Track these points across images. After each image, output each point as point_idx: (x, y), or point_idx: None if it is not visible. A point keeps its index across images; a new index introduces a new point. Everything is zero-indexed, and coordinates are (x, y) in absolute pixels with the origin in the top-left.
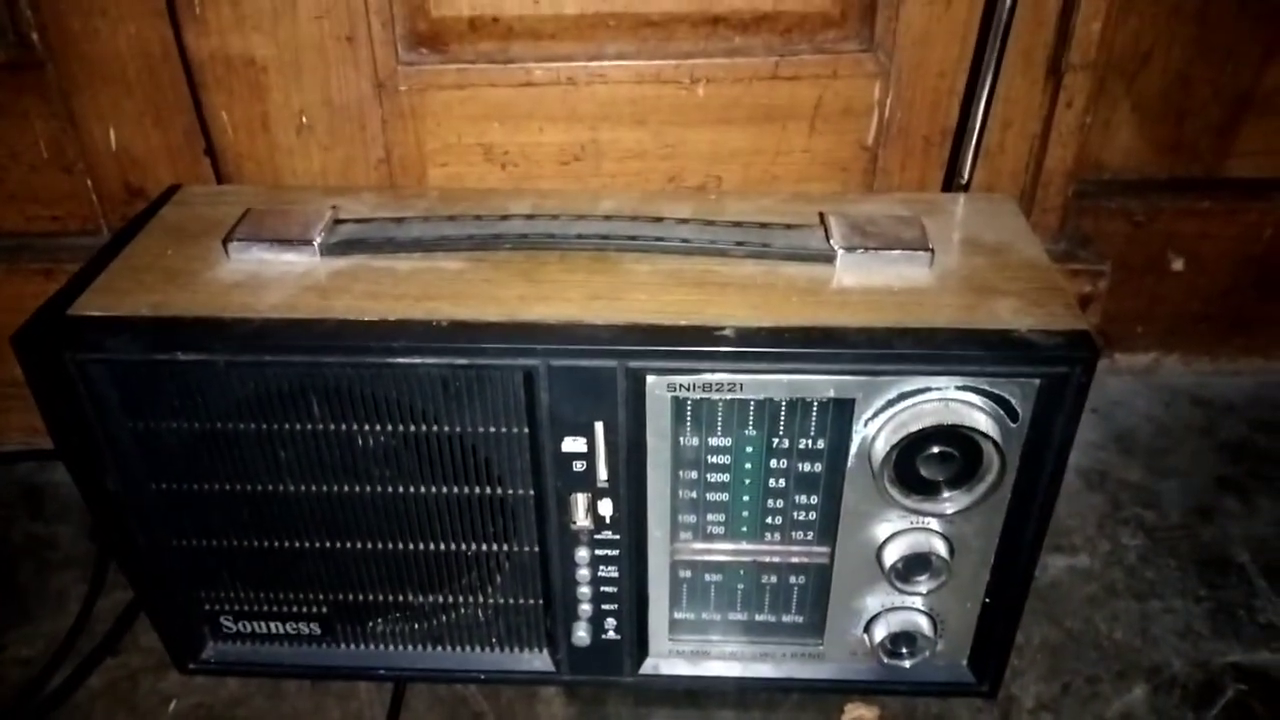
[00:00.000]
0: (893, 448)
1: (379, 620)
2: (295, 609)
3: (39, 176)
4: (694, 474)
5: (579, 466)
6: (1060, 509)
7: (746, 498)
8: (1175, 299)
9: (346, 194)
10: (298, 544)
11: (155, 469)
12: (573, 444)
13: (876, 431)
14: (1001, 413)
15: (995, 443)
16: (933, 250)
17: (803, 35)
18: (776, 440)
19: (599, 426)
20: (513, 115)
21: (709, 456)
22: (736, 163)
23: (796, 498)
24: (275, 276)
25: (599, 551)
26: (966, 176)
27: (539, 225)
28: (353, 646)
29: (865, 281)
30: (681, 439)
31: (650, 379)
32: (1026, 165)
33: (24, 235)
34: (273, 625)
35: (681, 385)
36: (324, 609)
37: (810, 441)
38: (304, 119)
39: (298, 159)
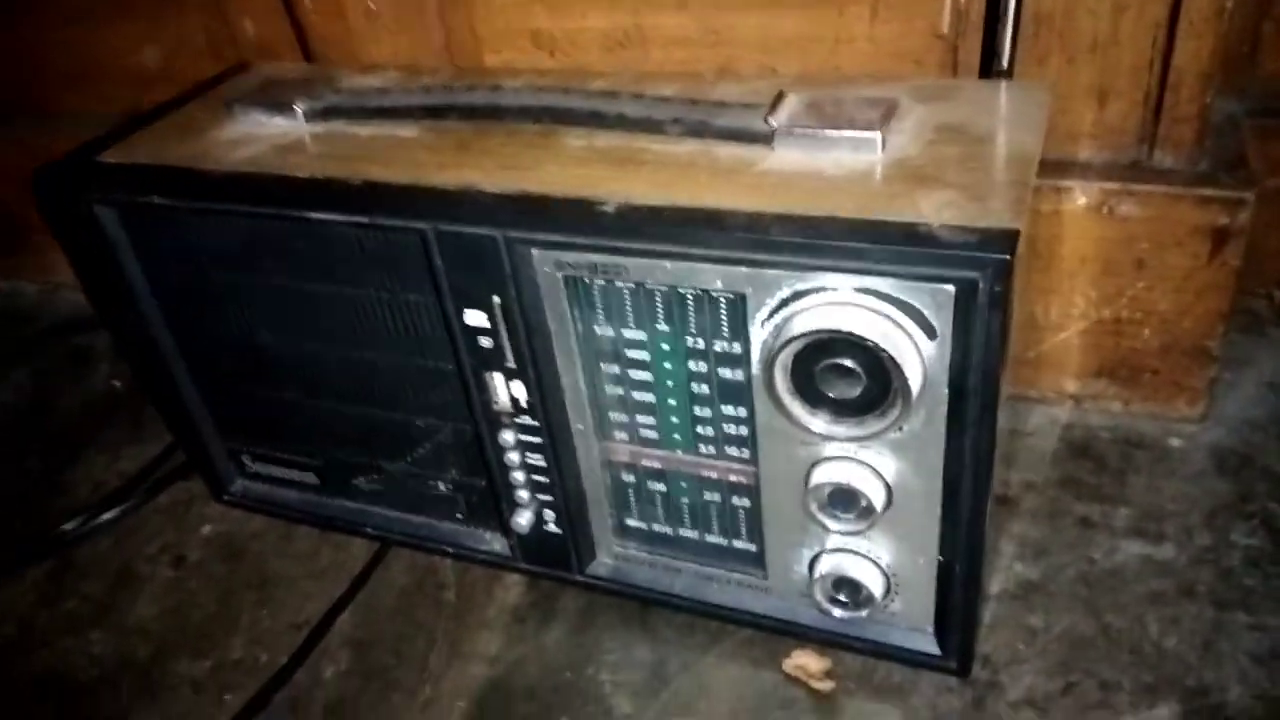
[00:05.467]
0: (784, 353)
1: (362, 479)
2: (295, 458)
3: (201, 64)
4: (615, 368)
5: (486, 343)
6: (1165, 489)
7: (673, 401)
8: None
9: (372, 71)
10: (284, 396)
11: (167, 312)
12: (475, 317)
13: (770, 335)
14: (913, 325)
15: (894, 358)
16: (882, 134)
17: None
18: (691, 340)
19: (496, 301)
20: None
21: (626, 350)
22: (792, 52)
23: (723, 407)
24: (262, 137)
25: (523, 437)
26: (1006, 60)
27: (486, 97)
28: (345, 502)
29: (797, 166)
30: (596, 327)
31: (535, 253)
32: (1150, 62)
33: None
34: (281, 471)
35: (569, 264)
36: (317, 461)
37: (726, 344)
38: (372, 3)
39: (370, 44)
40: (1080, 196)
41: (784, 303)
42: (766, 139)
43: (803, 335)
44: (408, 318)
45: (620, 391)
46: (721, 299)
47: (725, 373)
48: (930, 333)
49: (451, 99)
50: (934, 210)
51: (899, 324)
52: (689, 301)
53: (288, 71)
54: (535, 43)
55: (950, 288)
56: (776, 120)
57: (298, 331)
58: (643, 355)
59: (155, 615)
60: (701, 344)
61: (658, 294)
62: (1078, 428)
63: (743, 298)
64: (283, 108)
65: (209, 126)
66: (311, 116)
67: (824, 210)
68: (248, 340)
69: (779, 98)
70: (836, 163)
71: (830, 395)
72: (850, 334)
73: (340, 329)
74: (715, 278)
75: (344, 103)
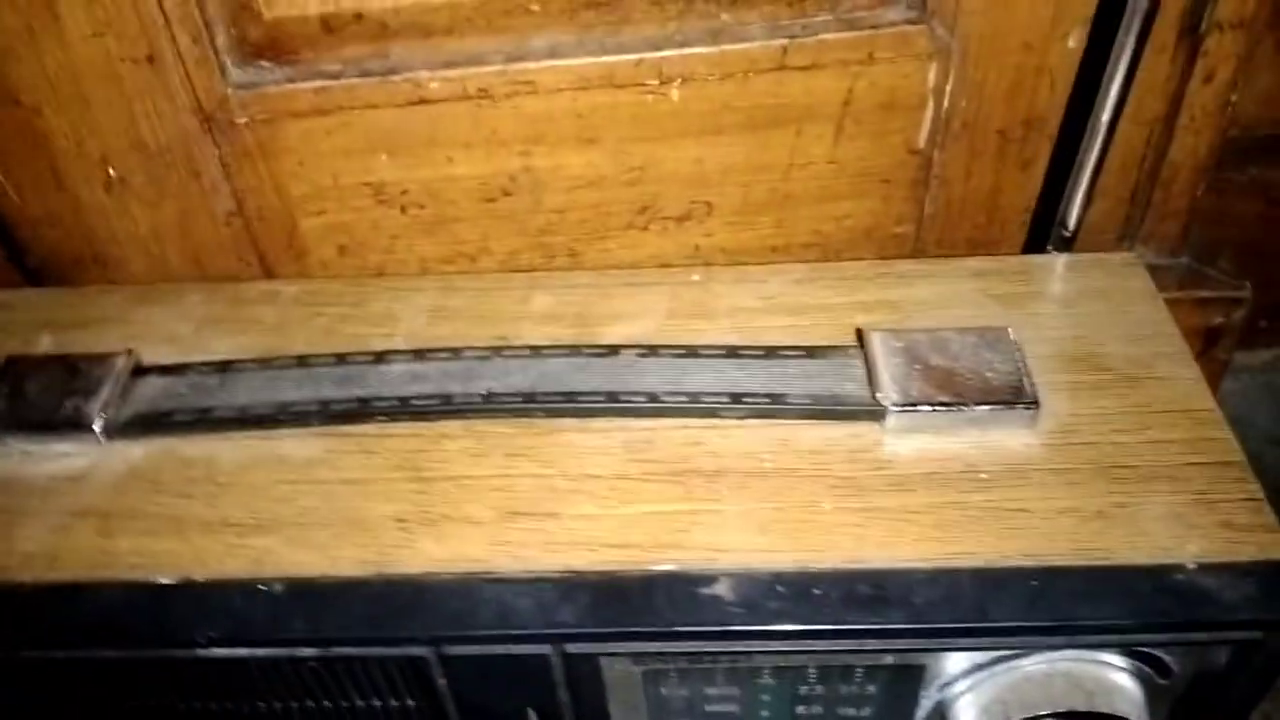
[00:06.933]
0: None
1: None
2: None
3: None
4: None
5: None
6: None
7: None
8: None
9: (166, 298)
10: None
11: None
12: None
13: (957, 701)
14: (1148, 671)
15: (1122, 715)
16: (1038, 405)
17: (821, 4)
18: (806, 689)
19: (533, 713)
20: (406, 144)
21: (704, 707)
22: (732, 183)
23: None
24: (41, 487)
25: None
26: (1073, 224)
27: (429, 375)
28: None
29: (932, 457)
30: (664, 689)
31: (604, 659)
32: (1142, 159)
33: None
34: None
35: (656, 661)
36: None
37: (856, 688)
38: (111, 170)
39: (116, 221)
40: None
41: (978, 667)
42: (875, 415)
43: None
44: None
45: None
46: (883, 671)
47: (851, 711)
48: (1165, 674)
49: (359, 384)
50: (1169, 533)
51: (1131, 671)
52: (828, 670)
53: (14, 307)
54: (379, 199)
55: (1204, 637)
56: (886, 393)
57: None
58: (731, 709)
59: None
60: (819, 690)
61: (775, 670)
62: None
63: (918, 668)
64: (69, 427)
65: None
66: (119, 433)
67: (1031, 555)
68: None
69: (862, 341)
70: (982, 447)
71: None
72: (1098, 714)
73: None
74: (885, 654)
75: (172, 401)
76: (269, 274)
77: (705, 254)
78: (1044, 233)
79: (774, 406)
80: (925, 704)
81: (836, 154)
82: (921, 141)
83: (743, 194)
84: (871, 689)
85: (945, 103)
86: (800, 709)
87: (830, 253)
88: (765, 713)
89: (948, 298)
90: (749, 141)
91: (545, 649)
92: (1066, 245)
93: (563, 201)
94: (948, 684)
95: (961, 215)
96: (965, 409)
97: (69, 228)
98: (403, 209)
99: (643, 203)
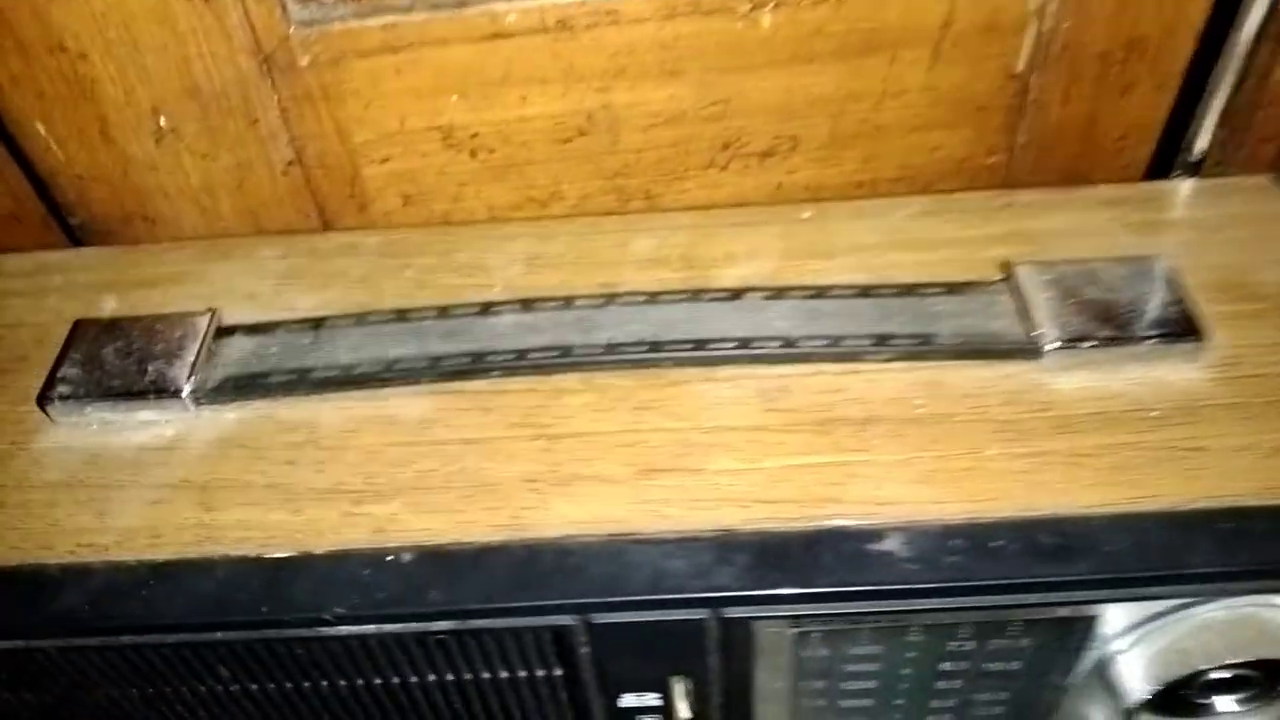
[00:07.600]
0: (1157, 685)
1: None
2: None
3: None
4: (821, 683)
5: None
6: None
7: (900, 702)
8: None
9: (236, 252)
10: None
11: None
12: (636, 699)
13: (1127, 651)
14: None
15: None
16: (1204, 337)
17: None
18: (954, 644)
19: (677, 681)
20: (479, 82)
21: (845, 666)
22: (820, 114)
23: (977, 696)
24: (129, 459)
25: None
26: (1203, 147)
27: (542, 327)
28: None
29: (1096, 396)
30: (807, 651)
31: (757, 622)
32: (1242, 79)
33: None
34: None
35: (812, 623)
36: None
37: (1009, 642)
38: (162, 120)
39: (166, 175)
40: None
41: (1155, 615)
42: (1030, 352)
43: (1208, 670)
44: (495, 696)
45: (822, 702)
46: (1052, 623)
47: (998, 665)
48: None
49: (468, 338)
50: None
51: None
52: (984, 625)
53: (70, 268)
54: (448, 142)
55: None
56: (1043, 330)
57: None
58: (870, 668)
59: None
60: (969, 645)
61: (925, 628)
62: None
63: (1088, 620)
64: (153, 394)
65: (8, 441)
66: (209, 398)
67: (1214, 496)
68: None
69: (1010, 275)
70: (1148, 384)
71: (1204, 704)
72: (1256, 661)
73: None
74: (1059, 607)
75: (265, 363)
76: (327, 227)
77: (787, 192)
78: (1166, 160)
79: (922, 348)
80: (1090, 656)
81: (932, 80)
82: (1021, 65)
83: (830, 126)
84: (1026, 643)
85: (1046, 24)
86: (946, 665)
87: (918, 187)
88: (907, 670)
89: (1081, 227)
90: (841, 70)
91: (703, 614)
92: (1193, 171)
93: (640, 140)
94: (1117, 635)
95: (1056, 144)
96: (1129, 344)
97: (115, 183)
98: (472, 153)
99: (725, 139)
